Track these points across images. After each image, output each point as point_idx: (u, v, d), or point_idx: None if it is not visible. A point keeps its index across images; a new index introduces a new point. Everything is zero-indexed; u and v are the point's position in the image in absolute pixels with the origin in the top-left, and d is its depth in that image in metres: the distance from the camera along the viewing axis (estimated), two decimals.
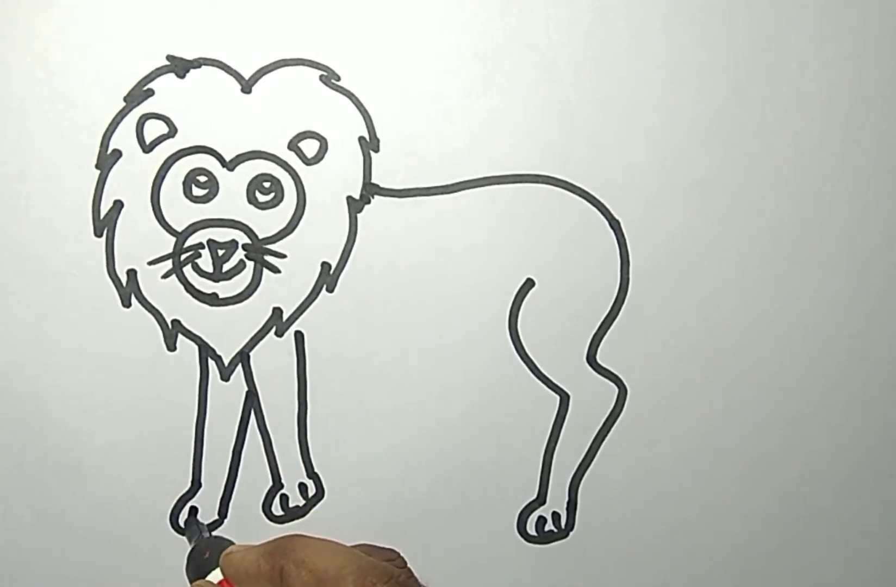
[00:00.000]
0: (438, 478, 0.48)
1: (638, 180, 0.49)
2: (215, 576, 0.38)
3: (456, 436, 0.45)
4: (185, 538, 0.43)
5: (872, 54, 0.49)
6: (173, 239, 0.47)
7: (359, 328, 0.48)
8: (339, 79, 0.48)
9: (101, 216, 0.47)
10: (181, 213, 0.47)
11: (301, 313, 0.48)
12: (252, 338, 0.48)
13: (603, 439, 0.49)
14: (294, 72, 0.48)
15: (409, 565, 0.35)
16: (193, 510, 0.47)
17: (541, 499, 0.49)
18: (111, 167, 0.47)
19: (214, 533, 0.48)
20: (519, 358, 0.48)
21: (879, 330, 0.50)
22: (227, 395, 0.48)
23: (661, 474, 0.49)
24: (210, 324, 0.48)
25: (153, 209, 0.47)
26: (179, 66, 0.47)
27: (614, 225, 0.49)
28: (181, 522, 0.48)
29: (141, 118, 0.47)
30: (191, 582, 0.39)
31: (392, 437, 0.48)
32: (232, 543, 0.40)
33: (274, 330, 0.48)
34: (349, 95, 0.48)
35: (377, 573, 0.34)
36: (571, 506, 0.49)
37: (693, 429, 0.49)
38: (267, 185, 0.47)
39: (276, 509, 0.48)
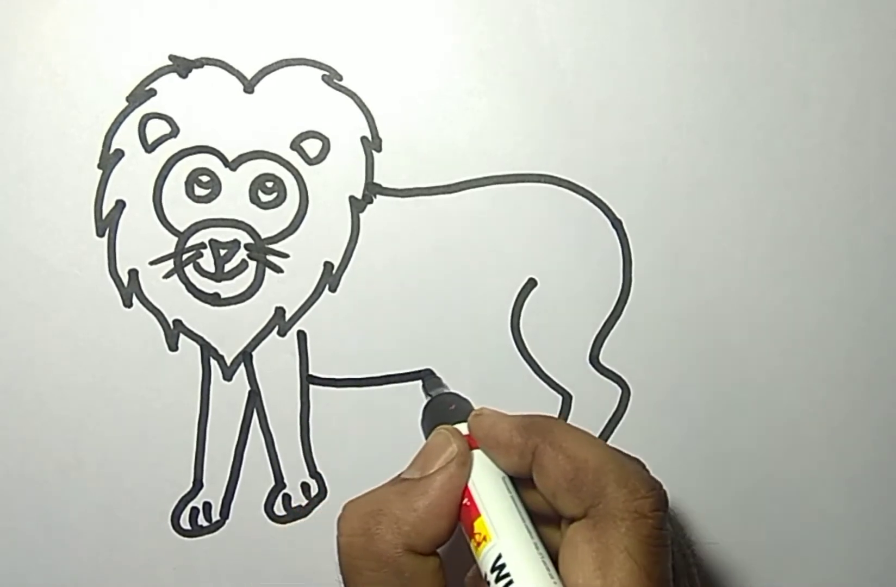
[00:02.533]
0: None
1: (640, 180, 0.49)
2: (463, 429, 0.37)
3: None
4: (421, 389, 0.45)
5: (874, 54, 0.49)
6: (175, 239, 0.47)
7: (361, 327, 0.48)
8: (341, 79, 0.48)
9: (103, 216, 0.47)
10: (183, 212, 0.47)
11: (303, 313, 0.48)
12: (254, 338, 0.48)
13: (606, 440, 0.49)
14: (296, 72, 0.48)
15: None
16: (427, 371, 0.48)
17: None
18: (113, 167, 0.47)
19: (212, 534, 0.48)
20: (521, 358, 0.48)
21: (884, 330, 0.50)
22: (230, 395, 0.48)
23: (664, 475, 0.49)
24: (212, 323, 0.47)
25: (155, 209, 0.47)
26: (182, 66, 0.47)
27: (617, 224, 0.49)
28: (183, 522, 0.47)
29: (143, 118, 0.47)
30: (430, 428, 0.38)
31: (395, 437, 0.47)
32: (470, 403, 0.40)
33: (276, 329, 0.48)
34: (351, 95, 0.48)
35: (641, 478, 0.32)
36: None
37: (696, 430, 0.49)
38: (269, 184, 0.47)
39: (279, 509, 0.48)
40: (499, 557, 0.32)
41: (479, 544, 0.34)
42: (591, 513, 0.32)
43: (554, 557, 0.33)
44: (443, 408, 0.41)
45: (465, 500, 0.35)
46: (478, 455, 0.36)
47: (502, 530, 0.33)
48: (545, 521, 0.35)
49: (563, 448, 0.33)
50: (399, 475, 0.37)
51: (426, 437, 0.39)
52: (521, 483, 0.36)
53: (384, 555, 0.33)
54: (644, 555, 0.31)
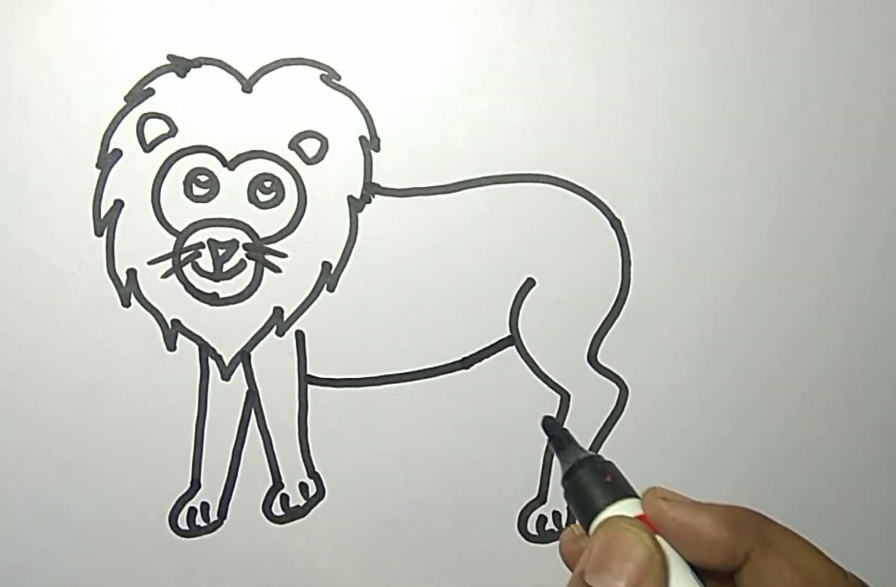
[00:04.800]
0: (438, 477, 0.48)
1: (639, 180, 0.49)
2: (628, 508, 0.31)
3: (456, 435, 0.45)
4: (554, 452, 0.33)
5: (874, 54, 0.49)
6: (173, 238, 0.47)
7: (359, 327, 0.48)
8: (339, 78, 0.48)
9: (102, 215, 0.47)
10: (182, 212, 0.47)
11: (302, 313, 0.48)
12: (253, 338, 0.48)
13: (604, 439, 0.49)
14: (295, 71, 0.48)
15: None
16: (549, 419, 0.35)
17: (541, 498, 0.49)
18: (112, 166, 0.47)
19: (210, 534, 0.48)
20: (520, 357, 0.48)
21: (883, 330, 0.50)
22: (228, 395, 0.48)
23: (662, 474, 0.49)
24: (210, 323, 0.47)
25: (154, 208, 0.47)
26: (180, 66, 0.47)
27: (615, 224, 0.49)
28: (181, 522, 0.48)
29: (141, 117, 0.47)
30: (586, 507, 0.33)
31: (392, 437, 0.48)
32: (616, 466, 0.33)
33: (275, 329, 0.48)
34: (350, 95, 0.48)
35: None
36: None
37: (694, 429, 0.49)
38: (268, 184, 0.47)
39: (277, 509, 0.48)
40: None
41: None
42: None
43: None
44: (596, 481, 0.33)
45: None
46: (662, 544, 0.31)
47: None
48: None
49: (787, 556, 0.30)
50: (582, 577, 0.31)
51: (578, 515, 0.32)
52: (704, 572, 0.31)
53: None
54: None
